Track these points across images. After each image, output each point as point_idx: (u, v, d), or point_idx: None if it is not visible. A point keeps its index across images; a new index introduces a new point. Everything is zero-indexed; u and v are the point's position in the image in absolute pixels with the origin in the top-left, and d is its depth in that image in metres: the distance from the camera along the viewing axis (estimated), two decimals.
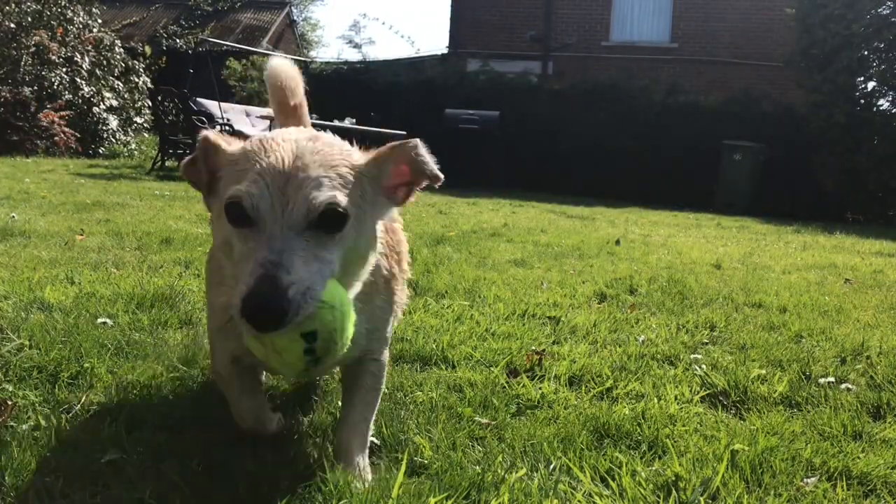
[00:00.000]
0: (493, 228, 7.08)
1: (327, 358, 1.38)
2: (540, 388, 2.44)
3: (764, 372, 2.76)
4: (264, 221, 1.30)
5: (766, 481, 1.88)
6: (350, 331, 1.40)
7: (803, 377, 2.75)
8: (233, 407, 1.83)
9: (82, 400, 2.06)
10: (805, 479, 1.90)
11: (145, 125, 15.87)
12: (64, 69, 13.81)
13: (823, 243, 8.14)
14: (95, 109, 14.31)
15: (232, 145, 1.45)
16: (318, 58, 27.30)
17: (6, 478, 1.61)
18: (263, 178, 1.32)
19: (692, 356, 2.94)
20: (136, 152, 14.89)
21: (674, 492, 1.79)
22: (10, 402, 1.98)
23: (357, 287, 1.49)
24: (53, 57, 13.53)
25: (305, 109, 2.20)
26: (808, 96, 13.69)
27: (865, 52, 13.39)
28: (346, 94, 17.11)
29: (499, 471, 1.80)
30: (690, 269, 5.19)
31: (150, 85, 15.47)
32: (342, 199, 1.35)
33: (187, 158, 1.51)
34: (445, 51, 20.20)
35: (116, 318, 2.90)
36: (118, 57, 15.34)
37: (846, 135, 12.98)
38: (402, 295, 1.88)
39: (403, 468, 1.73)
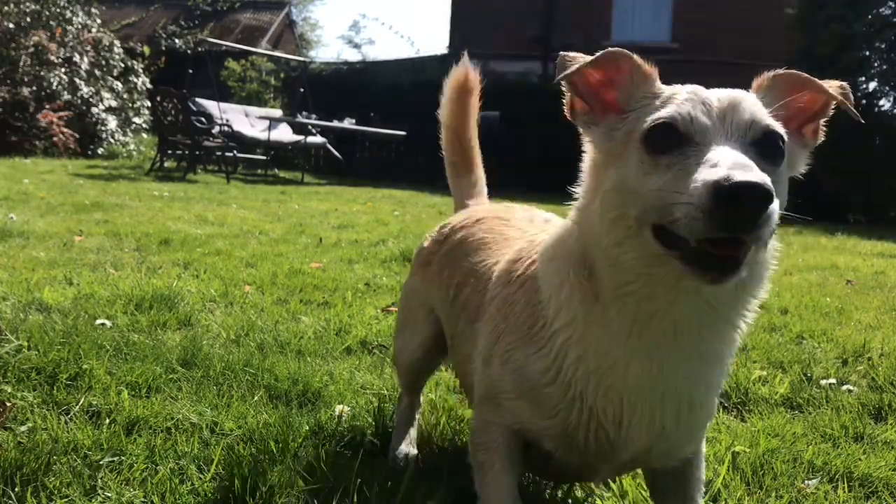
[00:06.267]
0: None
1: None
2: None
3: (765, 373, 2.75)
4: (704, 133, 1.11)
5: (768, 483, 1.87)
6: None
7: (804, 379, 2.74)
8: (484, 486, 1.46)
9: (81, 401, 2.06)
10: (806, 481, 1.90)
11: (144, 126, 15.87)
12: (63, 69, 13.81)
13: (825, 244, 8.13)
14: (94, 110, 14.31)
15: (656, 78, 1.26)
16: (317, 58, 27.35)
17: (5, 478, 1.60)
18: (699, 100, 1.15)
19: None
20: (134, 153, 14.89)
21: None
22: (8, 404, 1.97)
23: (762, 257, 1.22)
24: (52, 57, 13.53)
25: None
26: None
27: (867, 53, 13.38)
28: (346, 94, 17.12)
29: None
30: None
31: (148, 85, 15.48)
32: (782, 130, 1.17)
33: (582, 64, 1.25)
34: (445, 51, 20.21)
35: (115, 319, 2.89)
36: (117, 57, 15.34)
37: (847, 135, 12.95)
38: None
39: (408, 475, 1.72)
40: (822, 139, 1.32)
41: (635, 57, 1.25)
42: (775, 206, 1.03)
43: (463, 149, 2.07)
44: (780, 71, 1.27)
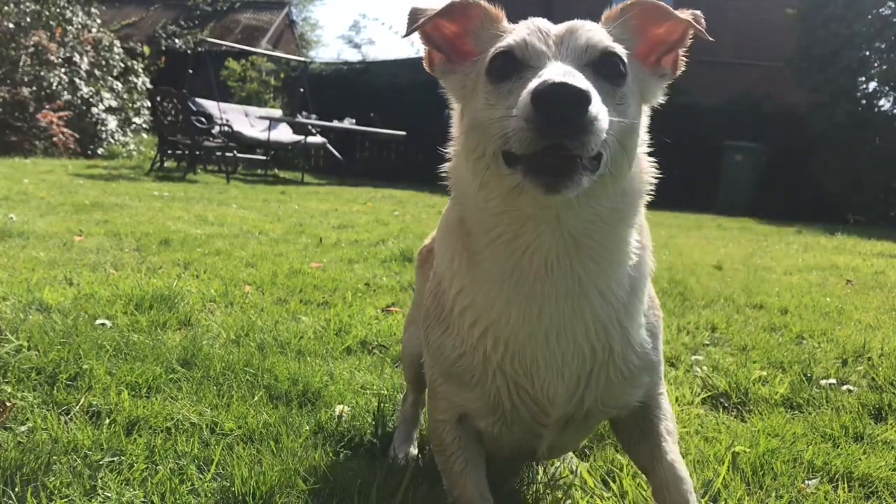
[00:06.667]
0: None
1: None
2: None
3: (765, 373, 2.75)
4: (539, 57, 1.14)
5: (768, 483, 1.87)
6: None
7: (804, 379, 2.74)
8: (452, 487, 1.49)
9: (81, 401, 2.05)
10: (806, 481, 1.89)
11: (144, 126, 15.88)
12: (63, 69, 13.81)
13: (825, 244, 8.13)
14: (94, 110, 14.31)
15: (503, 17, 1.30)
16: (317, 58, 27.34)
17: (5, 478, 1.60)
18: (536, 29, 1.19)
19: (693, 357, 2.93)
20: (134, 153, 14.89)
21: None
22: (8, 404, 1.97)
23: (621, 188, 1.23)
24: (52, 57, 13.53)
25: None
26: (810, 96, 13.68)
27: (867, 52, 13.39)
28: (346, 94, 17.12)
29: (500, 474, 1.79)
30: (691, 270, 5.18)
31: (148, 85, 15.48)
32: (622, 51, 1.19)
33: (432, 15, 1.27)
34: None
35: (115, 319, 2.89)
36: (117, 57, 15.35)
37: (847, 135, 12.97)
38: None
39: (408, 475, 1.72)
40: (683, 69, 1.35)
41: (483, 2, 1.29)
42: (600, 113, 1.04)
43: None
44: (630, 1, 1.28)
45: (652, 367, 1.40)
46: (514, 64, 1.16)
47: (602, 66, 1.16)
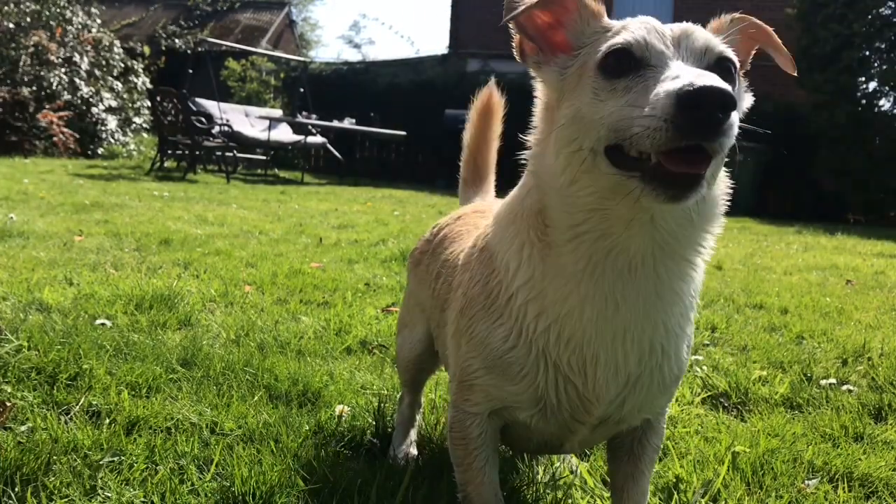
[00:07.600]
0: None
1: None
2: None
3: (765, 373, 2.75)
4: (660, 57, 1.13)
5: (768, 483, 1.87)
6: None
7: (804, 379, 2.74)
8: (467, 482, 1.48)
9: (81, 401, 2.06)
10: (806, 481, 1.90)
11: (144, 126, 15.88)
12: (63, 69, 13.81)
13: (825, 244, 8.13)
14: (94, 110, 14.31)
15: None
16: (317, 58, 27.38)
17: (5, 478, 1.60)
18: (652, 28, 1.18)
19: (693, 358, 2.93)
20: (134, 153, 14.89)
21: (675, 494, 1.79)
22: (8, 404, 1.97)
23: (712, 205, 1.26)
24: (52, 57, 13.53)
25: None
26: (810, 96, 13.67)
27: (867, 52, 13.38)
28: (346, 94, 17.12)
29: (500, 474, 1.79)
30: None
31: (148, 85, 15.48)
32: (735, 58, 1.21)
33: (529, 5, 1.25)
34: (445, 51, 20.22)
35: (115, 319, 2.90)
36: (117, 57, 15.35)
37: (847, 135, 12.96)
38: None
39: (408, 475, 1.72)
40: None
41: None
42: (736, 118, 1.04)
43: (477, 167, 2.08)
44: (739, 16, 1.30)
45: (679, 380, 1.41)
46: (632, 62, 1.14)
47: (717, 70, 1.15)
